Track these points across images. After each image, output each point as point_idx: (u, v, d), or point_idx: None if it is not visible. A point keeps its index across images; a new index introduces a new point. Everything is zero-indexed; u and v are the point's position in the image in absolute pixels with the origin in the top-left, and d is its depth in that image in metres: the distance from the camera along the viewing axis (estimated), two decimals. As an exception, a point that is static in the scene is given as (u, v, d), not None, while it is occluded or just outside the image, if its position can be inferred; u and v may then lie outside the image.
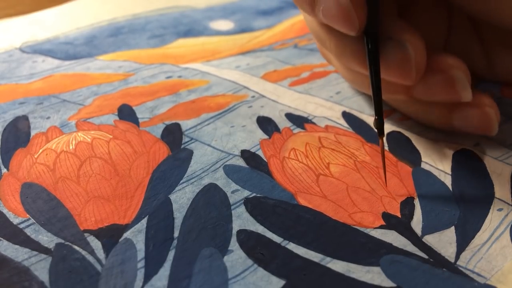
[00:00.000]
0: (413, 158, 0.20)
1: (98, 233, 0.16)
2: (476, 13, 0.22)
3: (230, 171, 0.19)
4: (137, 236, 0.16)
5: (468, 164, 0.20)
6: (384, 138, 0.21)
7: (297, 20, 0.34)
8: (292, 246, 0.16)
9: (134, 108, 0.23)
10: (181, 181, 0.19)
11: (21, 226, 0.17)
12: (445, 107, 0.20)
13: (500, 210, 0.17)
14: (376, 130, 0.18)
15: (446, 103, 0.20)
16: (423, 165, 0.20)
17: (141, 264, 0.15)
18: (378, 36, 0.18)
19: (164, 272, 0.15)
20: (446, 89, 0.19)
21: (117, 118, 0.23)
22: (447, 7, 0.23)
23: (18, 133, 0.21)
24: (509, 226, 0.17)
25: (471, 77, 0.19)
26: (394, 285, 0.15)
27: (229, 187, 0.18)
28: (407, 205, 0.18)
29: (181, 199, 0.18)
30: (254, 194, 0.18)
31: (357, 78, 0.22)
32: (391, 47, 0.18)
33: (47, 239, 0.16)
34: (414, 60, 0.18)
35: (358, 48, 0.18)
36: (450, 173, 0.19)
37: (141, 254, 0.16)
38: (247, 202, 0.18)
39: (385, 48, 0.18)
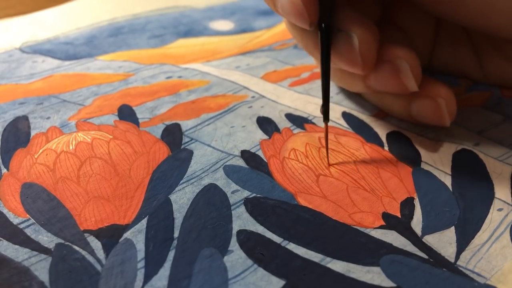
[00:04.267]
0: (413, 158, 0.20)
1: (98, 233, 0.16)
2: (464, 24, 0.22)
3: (230, 172, 0.19)
4: (137, 236, 0.16)
5: (468, 164, 0.20)
6: (384, 138, 0.21)
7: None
8: (292, 246, 0.16)
9: (134, 108, 0.23)
10: (181, 182, 0.19)
11: (21, 226, 0.17)
12: (404, 98, 0.21)
13: (500, 210, 0.17)
14: (322, 115, 0.19)
15: (403, 94, 0.20)
16: (423, 165, 0.20)
17: (141, 264, 0.15)
18: (331, 29, 0.19)
19: (164, 272, 0.15)
20: (392, 79, 0.19)
21: (117, 118, 0.23)
22: None
23: (18, 133, 0.21)
24: (509, 226, 0.17)
25: (466, 80, 0.19)
26: (394, 285, 0.15)
27: (229, 187, 0.18)
28: (407, 205, 0.18)
29: (181, 199, 0.18)
30: (254, 195, 0.18)
31: None
32: (340, 38, 0.19)
33: (47, 239, 0.16)
34: (358, 49, 0.18)
35: (317, 40, 0.19)
36: (450, 173, 0.19)
37: (141, 254, 0.16)
38: (247, 202, 0.18)
39: (335, 39, 0.19)
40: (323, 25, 0.19)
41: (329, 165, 0.19)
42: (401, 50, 0.19)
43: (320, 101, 0.24)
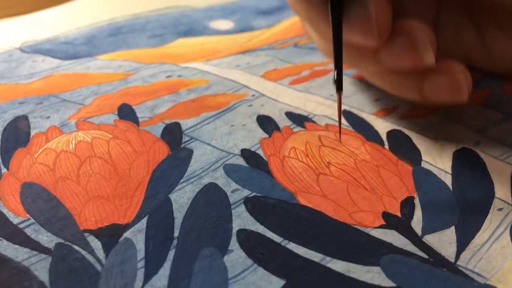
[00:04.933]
0: (413, 157, 0.20)
1: (98, 233, 0.16)
2: None
3: (230, 170, 0.19)
4: (137, 236, 0.16)
5: (468, 163, 0.20)
6: (384, 137, 0.21)
7: (297, 20, 0.34)
8: (292, 246, 0.16)
9: (134, 107, 0.23)
10: (181, 181, 0.19)
11: (21, 226, 0.17)
12: (416, 77, 0.20)
13: (500, 209, 0.17)
14: (334, 85, 0.18)
15: (415, 72, 0.19)
16: (423, 164, 0.19)
17: (141, 264, 0.15)
18: None
19: (164, 271, 0.15)
20: (408, 51, 0.18)
21: (117, 117, 0.23)
22: None
23: (18, 133, 0.21)
24: (509, 226, 0.17)
25: (470, 70, 0.19)
26: (394, 285, 0.15)
27: (229, 186, 0.18)
28: (407, 205, 0.18)
29: (181, 198, 0.18)
30: (254, 194, 0.18)
31: (330, 47, 0.21)
32: (353, 6, 0.18)
33: (47, 239, 0.16)
34: (374, 17, 0.17)
35: (325, 10, 0.18)
36: (450, 172, 0.19)
37: (141, 254, 0.16)
38: (247, 201, 0.18)
39: (348, 8, 0.18)
40: None
41: (341, 142, 0.19)
42: (416, 22, 0.18)
43: (320, 100, 0.24)
